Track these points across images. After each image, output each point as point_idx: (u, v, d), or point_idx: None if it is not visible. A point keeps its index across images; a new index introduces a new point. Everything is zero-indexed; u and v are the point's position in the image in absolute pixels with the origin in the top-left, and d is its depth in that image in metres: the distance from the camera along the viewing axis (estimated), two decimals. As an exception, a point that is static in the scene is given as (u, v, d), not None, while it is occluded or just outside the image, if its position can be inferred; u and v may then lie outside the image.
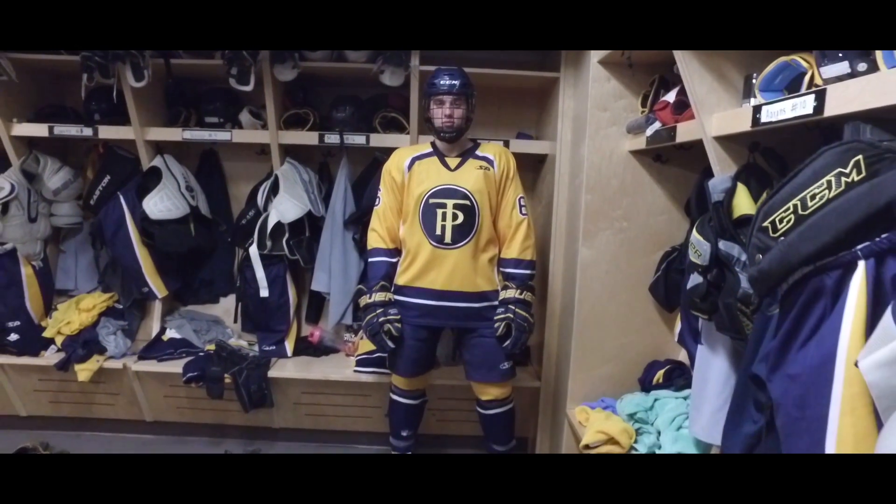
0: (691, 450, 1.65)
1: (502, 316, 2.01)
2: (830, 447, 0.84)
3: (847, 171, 0.87)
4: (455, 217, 2.00)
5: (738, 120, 1.29)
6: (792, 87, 1.21)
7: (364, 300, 2.11)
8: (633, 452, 1.82)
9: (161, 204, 2.52)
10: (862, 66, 0.97)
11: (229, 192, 2.89)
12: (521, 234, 2.06)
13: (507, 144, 2.41)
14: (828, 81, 1.04)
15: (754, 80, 1.28)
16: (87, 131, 2.54)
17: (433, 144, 2.13)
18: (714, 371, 1.49)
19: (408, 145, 2.39)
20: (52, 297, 2.82)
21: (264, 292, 2.59)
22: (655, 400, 1.90)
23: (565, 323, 2.28)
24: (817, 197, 0.90)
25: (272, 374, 2.51)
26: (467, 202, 2.01)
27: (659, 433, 1.80)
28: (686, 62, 1.40)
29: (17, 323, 2.64)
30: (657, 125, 1.77)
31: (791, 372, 0.93)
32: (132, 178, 2.63)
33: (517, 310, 2.00)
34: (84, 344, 2.53)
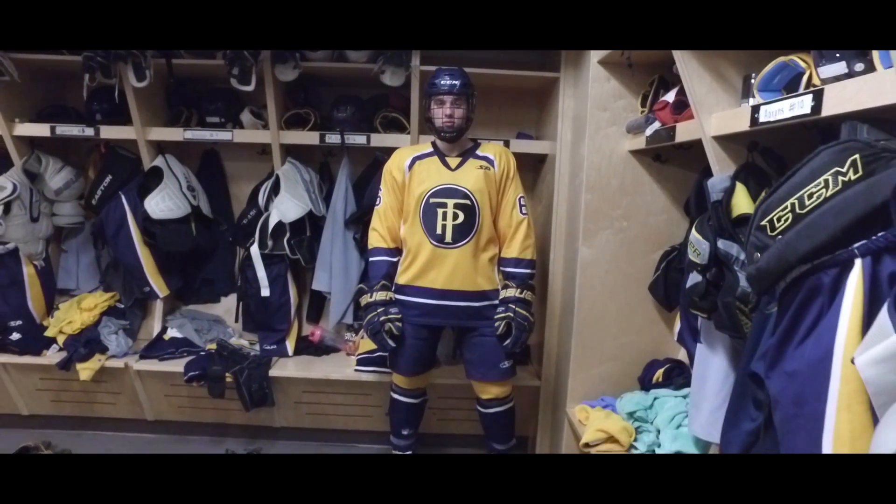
0: (690, 448, 1.66)
1: (503, 315, 2.02)
2: (827, 443, 0.85)
3: (844, 170, 0.87)
4: (455, 216, 2.00)
5: (736, 120, 1.30)
6: (790, 87, 1.22)
7: (365, 299, 2.12)
8: (633, 451, 1.82)
9: (162, 203, 2.53)
10: (859, 67, 0.98)
11: (230, 191, 2.90)
12: (521, 233, 2.07)
13: (507, 144, 2.42)
14: (825, 81, 1.05)
15: (753, 80, 1.29)
16: (89, 131, 2.56)
17: (434, 144, 2.14)
18: (713, 369, 1.49)
19: (408, 145, 2.40)
20: (53, 296, 2.83)
21: (265, 291, 2.60)
22: (655, 399, 1.90)
23: (565, 322, 2.29)
24: (815, 196, 0.90)
25: (273, 373, 2.52)
26: (468, 202, 2.02)
27: (658, 431, 1.80)
28: (685, 62, 1.41)
29: (18, 322, 2.65)
30: (657, 125, 1.77)
31: (789, 369, 0.94)
32: (134, 177, 2.64)
33: (517, 309, 2.01)
34: (86, 343, 2.54)
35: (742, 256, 1.27)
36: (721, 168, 1.40)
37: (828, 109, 1.00)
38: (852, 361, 0.78)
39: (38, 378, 2.64)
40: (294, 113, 2.60)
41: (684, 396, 1.82)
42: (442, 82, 2.00)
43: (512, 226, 2.08)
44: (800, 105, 1.07)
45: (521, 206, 2.09)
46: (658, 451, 1.75)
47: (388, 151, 2.26)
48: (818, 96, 1.02)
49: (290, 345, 2.69)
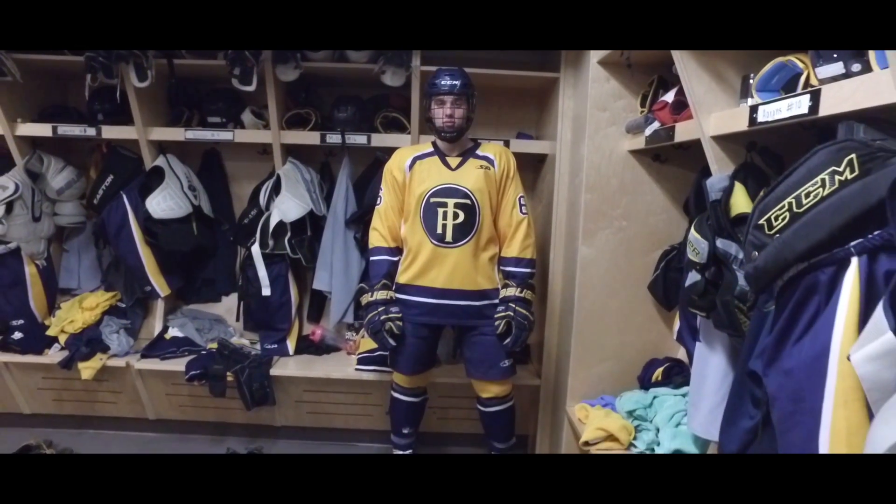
0: (689, 446, 1.67)
1: (503, 314, 2.03)
2: (824, 440, 0.86)
3: (840, 169, 0.88)
4: (456, 216, 2.01)
5: (735, 120, 1.31)
6: (788, 87, 1.22)
7: (365, 298, 2.13)
8: (633, 449, 1.83)
9: (164, 203, 2.54)
10: (856, 67, 0.99)
11: (231, 191, 2.91)
12: (521, 232, 2.08)
13: (507, 144, 2.43)
14: (823, 82, 1.05)
15: (751, 81, 1.30)
16: (91, 131, 2.57)
17: (434, 144, 2.15)
18: (712, 368, 1.50)
19: (409, 145, 2.41)
20: (55, 295, 2.84)
21: (266, 291, 2.61)
22: (654, 397, 1.91)
23: (565, 321, 2.30)
24: (812, 195, 0.91)
25: (274, 372, 2.53)
26: (468, 201, 2.02)
27: (657, 430, 1.81)
28: (684, 62, 1.42)
29: (20, 321, 2.67)
30: (656, 125, 1.78)
31: (786, 367, 0.95)
32: (135, 177, 2.65)
33: (517, 308, 2.02)
34: (87, 342, 2.55)
35: (741, 255, 1.28)
36: (720, 168, 1.41)
37: (825, 109, 1.01)
38: (848, 358, 0.79)
39: (39, 377, 2.65)
40: (295, 113, 2.61)
41: (683, 395, 1.82)
42: (442, 82, 2.01)
43: (512, 225, 2.09)
44: (797, 105, 1.08)
45: (521, 205, 2.10)
46: (657, 449, 1.76)
47: (389, 151, 2.27)
48: (815, 96, 1.03)
49: (290, 344, 2.70)
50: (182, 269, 2.81)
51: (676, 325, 1.98)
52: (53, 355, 2.58)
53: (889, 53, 0.83)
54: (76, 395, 2.68)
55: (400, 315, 2.07)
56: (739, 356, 1.25)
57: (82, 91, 2.41)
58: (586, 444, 1.89)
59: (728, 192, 1.33)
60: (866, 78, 0.93)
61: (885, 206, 0.79)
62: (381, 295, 2.08)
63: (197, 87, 2.70)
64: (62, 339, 2.63)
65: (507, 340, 2.04)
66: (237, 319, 2.79)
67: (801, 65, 1.14)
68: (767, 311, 1.08)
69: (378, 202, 2.17)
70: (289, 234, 2.58)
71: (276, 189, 2.58)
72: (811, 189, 0.91)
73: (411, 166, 2.10)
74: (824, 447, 0.87)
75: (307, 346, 2.75)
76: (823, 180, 0.90)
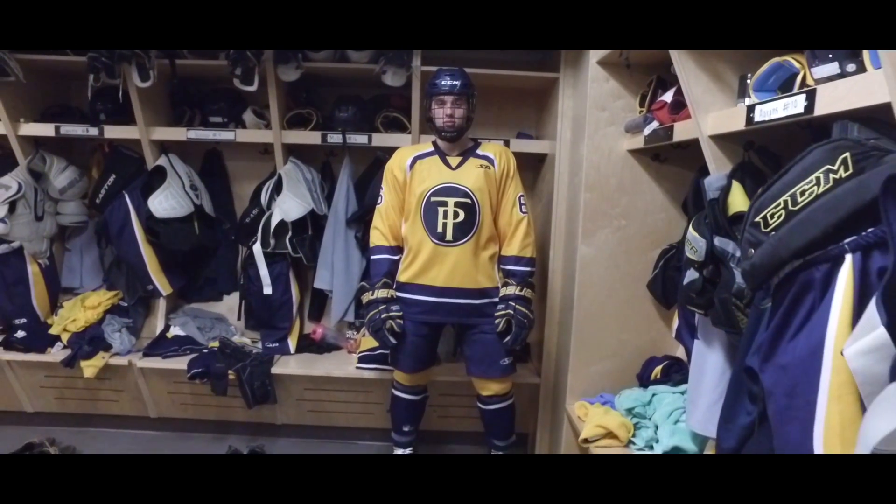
0: (688, 443, 1.68)
1: (503, 312, 2.04)
2: (819, 434, 0.87)
3: (835, 167, 0.90)
4: (456, 215, 2.03)
5: (732, 119, 1.32)
6: (785, 87, 1.24)
7: (366, 297, 2.14)
8: (632, 446, 1.85)
9: (166, 202, 2.55)
10: (851, 67, 1.00)
11: (233, 190, 2.93)
12: (521, 231, 2.09)
13: (507, 144, 2.44)
14: (819, 82, 1.07)
15: (749, 81, 1.31)
16: (93, 131, 2.58)
17: (434, 144, 2.16)
18: (710, 365, 1.52)
19: (409, 145, 2.42)
20: (57, 294, 2.86)
21: (268, 290, 2.62)
22: (653, 395, 1.92)
23: (565, 320, 2.31)
24: (807, 193, 0.93)
25: (275, 370, 2.54)
26: (468, 200, 2.04)
27: (656, 427, 1.83)
28: (682, 63, 1.43)
29: (23, 320, 2.68)
30: (655, 125, 1.80)
31: (782, 362, 0.96)
32: (137, 177, 2.67)
33: (517, 306, 2.04)
34: (90, 341, 2.56)
35: (738, 253, 1.29)
36: (718, 167, 1.42)
37: (820, 109, 1.02)
38: (842, 353, 0.81)
39: (42, 375, 2.67)
40: (296, 113, 2.63)
41: (682, 393, 1.84)
42: (443, 83, 2.03)
43: (512, 224, 2.10)
44: (793, 105, 1.09)
45: (520, 204, 2.12)
46: (656, 446, 1.77)
47: (390, 151, 2.28)
48: (811, 96, 1.04)
49: (291, 343, 2.72)
50: (184, 268, 2.83)
51: (675, 323, 1.99)
52: (56, 354, 2.59)
53: (882, 54, 0.85)
54: (78, 394, 2.69)
55: (401, 313, 2.08)
56: (737, 353, 1.27)
57: (85, 91, 2.43)
58: (586, 441, 1.90)
59: (726, 190, 1.34)
60: (860, 78, 0.95)
61: (879, 204, 0.80)
62: (381, 293, 2.10)
63: (199, 87, 2.72)
64: (65, 337, 2.64)
65: (507, 338, 2.05)
66: (238, 318, 2.80)
67: (797, 65, 1.16)
68: (764, 308, 1.09)
69: (379, 201, 2.18)
70: (290, 234, 2.59)
71: (277, 188, 2.60)
72: (806, 187, 0.93)
73: (412, 166, 2.11)
74: (819, 441, 0.88)
75: (308, 345, 2.77)
76: (818, 178, 0.91)
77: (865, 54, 0.96)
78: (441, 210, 2.03)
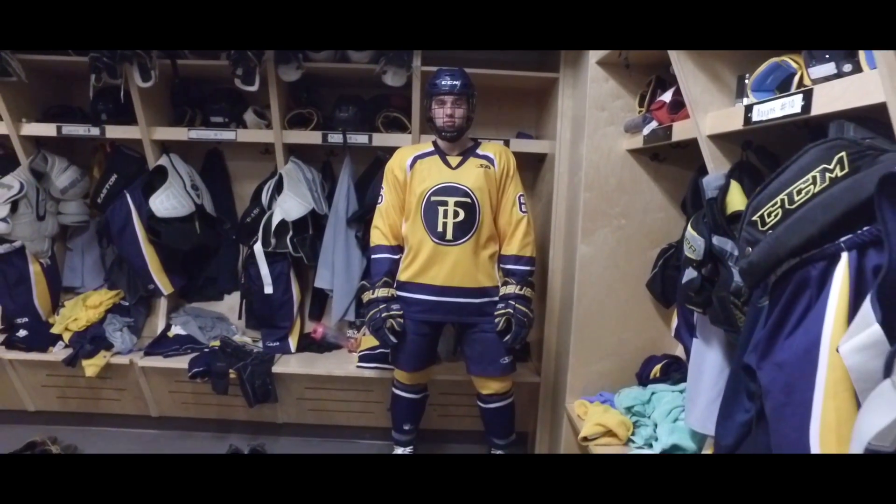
0: (687, 441, 1.69)
1: (502, 311, 2.05)
2: (815, 430, 0.88)
3: (831, 167, 0.91)
4: (456, 214, 2.04)
5: (730, 119, 1.33)
6: (783, 87, 1.25)
7: (367, 296, 2.15)
8: (631, 444, 1.86)
9: (167, 202, 2.56)
10: (847, 67, 1.01)
11: (234, 190, 2.94)
12: (520, 231, 2.10)
13: (507, 143, 2.45)
14: (816, 82, 1.08)
15: (747, 81, 1.32)
16: (95, 131, 2.59)
17: (435, 143, 2.17)
18: (708, 363, 1.53)
19: (410, 144, 2.43)
20: (59, 294, 2.87)
21: (268, 289, 2.64)
22: (652, 394, 1.94)
23: (564, 319, 2.32)
24: (803, 192, 0.94)
25: (276, 369, 2.55)
26: (468, 200, 2.05)
27: (655, 425, 1.84)
28: (681, 63, 1.44)
29: (25, 319, 2.70)
30: (654, 124, 1.81)
31: (779, 360, 0.97)
32: (138, 176, 2.68)
33: (517, 305, 2.04)
34: (91, 340, 2.57)
35: (736, 252, 1.30)
36: (716, 166, 1.43)
37: (817, 109, 1.03)
38: (837, 350, 0.81)
39: (44, 374, 2.68)
40: (297, 113, 2.64)
41: (681, 391, 1.85)
42: (443, 83, 2.04)
43: (512, 223, 2.11)
44: (791, 104, 1.10)
45: (520, 203, 2.13)
46: (655, 444, 1.78)
47: (390, 151, 2.29)
48: (808, 96, 1.05)
49: (292, 342, 2.73)
50: (185, 267, 2.84)
51: (674, 322, 2.00)
52: (58, 353, 2.60)
53: (877, 54, 0.86)
54: (80, 393, 2.70)
55: (401, 312, 2.09)
56: (735, 351, 1.28)
57: (86, 91, 2.44)
58: (585, 439, 1.91)
59: (724, 190, 1.35)
60: (856, 78, 0.96)
61: (874, 203, 0.81)
62: (382, 292, 2.11)
63: (200, 87, 2.73)
64: (66, 336, 2.65)
65: (507, 337, 2.06)
66: (239, 317, 2.81)
67: (794, 65, 1.17)
68: (762, 306, 1.10)
69: (379, 201, 2.19)
70: (291, 233, 2.60)
71: (278, 188, 2.61)
72: (803, 186, 0.94)
73: (412, 165, 2.12)
74: (815, 437, 0.89)
75: (309, 344, 2.78)
76: (815, 177, 0.92)
77: (861, 54, 0.97)
78: (441, 209, 2.04)
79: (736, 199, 1.34)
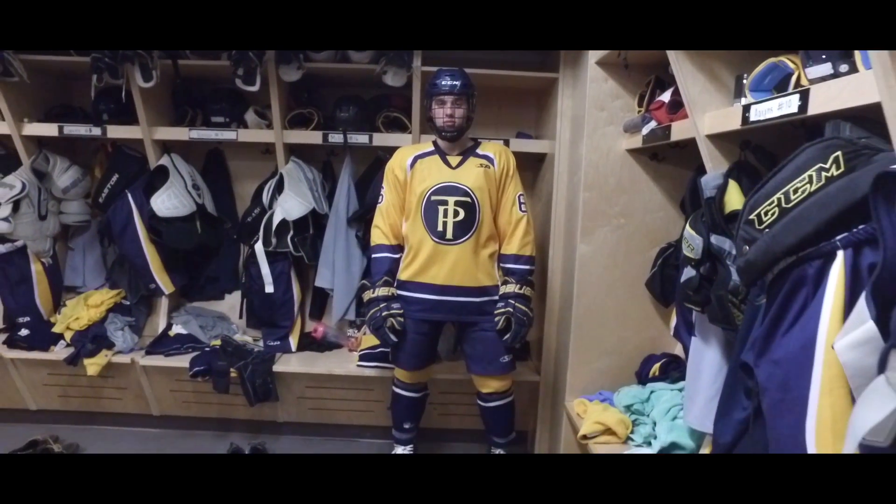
0: (685, 439, 1.70)
1: (502, 310, 2.06)
2: (811, 426, 0.89)
3: (827, 166, 0.92)
4: (456, 213, 2.05)
5: (728, 119, 1.34)
6: (780, 87, 1.26)
7: (367, 295, 2.16)
8: (630, 442, 1.87)
9: (168, 202, 2.57)
10: (843, 68, 1.02)
11: (234, 190, 2.95)
12: (520, 230, 2.11)
13: (507, 143, 2.46)
14: (813, 82, 1.09)
15: (745, 81, 1.33)
16: (96, 131, 2.60)
17: (435, 143, 2.18)
18: (707, 362, 1.53)
19: (410, 144, 2.44)
20: (60, 293, 2.88)
21: (269, 288, 2.65)
22: (651, 392, 1.94)
23: (564, 318, 2.33)
24: (799, 191, 0.95)
25: (277, 368, 2.56)
26: (468, 199, 2.06)
27: (654, 424, 1.84)
28: (679, 63, 1.45)
29: (27, 318, 2.71)
30: (653, 124, 1.81)
31: (775, 357, 0.98)
32: (140, 176, 2.69)
33: (517, 304, 2.05)
34: (93, 339, 2.58)
35: (734, 251, 1.31)
36: (714, 166, 1.44)
37: (813, 108, 1.04)
38: (833, 347, 0.82)
39: (45, 373, 2.69)
40: (297, 113, 2.65)
41: (680, 390, 1.85)
42: (443, 83, 2.05)
43: (511, 223, 2.12)
44: (787, 104, 1.11)
45: (520, 203, 2.14)
46: (654, 442, 1.79)
47: (390, 150, 2.30)
48: (804, 96, 1.06)
49: (293, 341, 2.74)
50: (186, 266, 2.85)
51: (673, 321, 2.01)
52: (59, 352, 2.61)
53: (872, 55, 0.87)
54: (82, 392, 2.72)
55: (401, 311, 2.10)
56: (733, 349, 1.29)
57: (88, 91, 2.45)
58: (584, 437, 1.92)
59: (722, 189, 1.36)
60: (852, 78, 0.97)
61: (869, 202, 0.82)
62: (382, 291, 2.12)
63: (201, 87, 2.74)
64: (68, 335, 2.66)
65: (507, 336, 2.07)
66: (240, 317, 2.83)
67: (791, 65, 1.18)
68: (759, 304, 1.11)
69: (380, 200, 2.20)
70: (291, 233, 2.61)
71: (278, 188, 2.62)
72: (799, 185, 0.95)
73: (412, 165, 2.13)
74: (811, 434, 0.90)
75: (309, 343, 2.79)
76: (811, 177, 0.94)
77: (857, 55, 0.97)
78: (441, 209, 2.05)
79: (734, 199, 1.35)
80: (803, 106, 1.07)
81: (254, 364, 2.52)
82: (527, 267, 2.13)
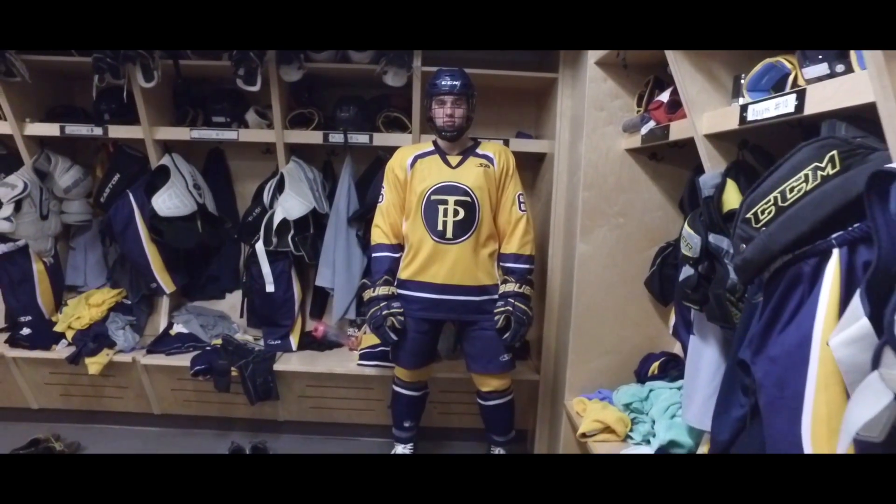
0: (684, 436, 1.70)
1: (502, 309, 2.07)
2: (806, 423, 0.90)
3: (823, 165, 0.93)
4: (456, 213, 2.06)
5: (726, 118, 1.35)
6: (777, 87, 1.26)
7: (368, 294, 2.17)
8: (629, 440, 1.88)
9: (169, 201, 2.58)
10: (840, 68, 1.03)
11: (235, 190, 2.96)
12: (520, 229, 2.12)
13: (507, 143, 2.47)
14: (809, 82, 1.10)
15: (742, 81, 1.34)
16: (98, 131, 2.61)
17: (435, 143, 2.19)
18: (705, 360, 1.54)
19: (410, 144, 2.45)
20: (62, 292, 2.89)
21: (270, 287, 2.65)
22: (650, 391, 1.95)
23: (563, 317, 2.34)
24: (795, 189, 0.96)
25: (277, 367, 2.57)
26: (468, 198, 2.07)
27: (653, 422, 1.85)
28: (678, 63, 1.46)
29: (28, 318, 2.72)
30: (652, 124, 1.82)
31: (772, 354, 0.99)
32: (141, 176, 2.70)
33: (516, 303, 2.06)
34: (94, 338, 2.59)
35: (732, 250, 1.32)
36: (712, 165, 1.45)
37: (810, 108, 1.05)
38: (828, 344, 0.83)
39: (47, 372, 2.70)
40: (298, 113, 2.66)
41: (679, 388, 1.86)
42: (443, 83, 2.05)
43: (511, 222, 2.13)
44: (784, 104, 1.12)
45: (520, 202, 2.14)
46: (653, 440, 1.80)
47: (390, 150, 2.31)
48: (801, 96, 1.07)
49: (293, 340, 2.75)
50: (187, 266, 2.86)
51: (672, 320, 2.02)
52: (61, 351, 2.62)
53: (866, 55, 0.88)
54: (83, 390, 2.73)
55: (401, 310, 2.11)
56: (731, 347, 1.30)
57: (89, 91, 2.46)
58: (584, 435, 1.93)
59: (720, 188, 1.37)
60: (847, 78, 0.97)
61: (864, 200, 0.83)
62: (382, 290, 2.13)
63: (202, 87, 2.75)
64: (69, 335, 2.67)
65: (507, 335, 2.08)
66: (241, 316, 2.84)
67: (789, 65, 1.19)
68: (756, 302, 1.12)
69: (380, 200, 2.21)
70: (292, 232, 2.62)
71: (279, 187, 2.63)
72: (795, 184, 0.96)
73: (412, 165, 2.14)
74: (807, 430, 0.91)
75: (310, 342, 2.80)
76: (807, 175, 0.94)
77: (853, 55, 0.98)
78: (441, 208, 2.06)
79: (732, 198, 1.36)
80: (800, 106, 1.08)
81: (254, 363, 2.53)
82: (526, 266, 2.14)
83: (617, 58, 1.99)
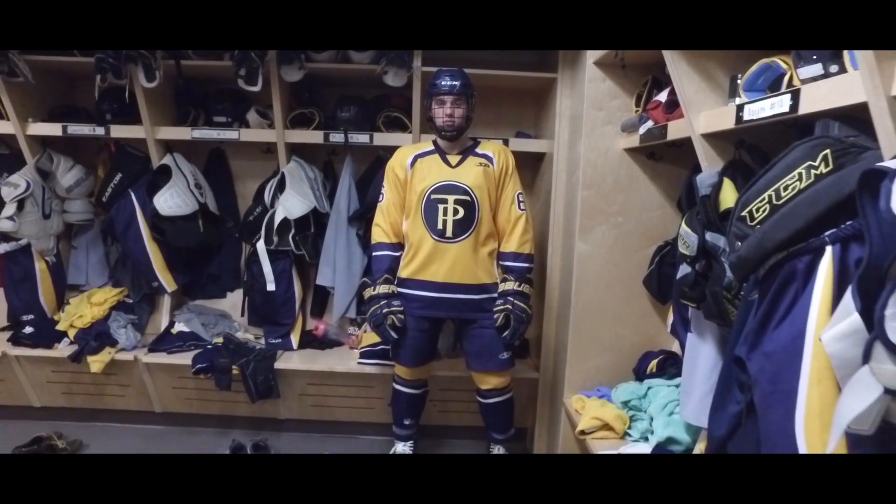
0: (682, 433, 1.72)
1: (501, 307, 2.09)
2: (800, 417, 0.92)
3: (816, 163, 0.94)
4: (456, 212, 2.07)
5: (723, 118, 1.36)
6: (773, 87, 1.28)
7: (368, 292, 2.19)
8: (627, 437, 1.89)
9: (171, 201, 2.60)
10: (834, 68, 1.05)
11: (236, 189, 2.97)
12: (519, 228, 2.14)
13: (506, 143, 2.49)
14: (804, 82, 1.11)
15: (739, 81, 1.35)
16: (100, 130, 2.62)
17: (435, 143, 2.21)
18: (702, 357, 1.55)
19: (410, 144, 2.46)
20: (64, 291, 2.91)
21: (271, 286, 2.67)
22: (649, 388, 1.97)
23: (563, 315, 2.35)
24: (790, 188, 0.97)
25: (278, 366, 2.59)
26: (467, 198, 2.08)
27: (651, 419, 1.87)
28: (675, 63, 1.48)
29: (31, 316, 2.74)
30: (650, 124, 1.84)
31: (767, 350, 1.01)
32: (143, 175, 2.72)
33: (516, 301, 2.08)
34: (96, 336, 2.61)
35: (728, 248, 1.33)
36: (709, 164, 1.47)
37: (804, 108, 1.07)
38: (820, 339, 0.85)
39: (49, 370, 2.71)
40: (299, 112, 2.67)
41: (677, 386, 1.87)
42: (443, 83, 2.07)
43: (511, 221, 2.14)
44: (779, 104, 1.14)
45: (519, 202, 2.16)
46: (651, 437, 1.81)
47: (391, 150, 2.33)
48: (795, 96, 1.09)
49: (294, 338, 2.76)
50: (188, 265, 2.87)
51: (670, 318, 2.04)
52: (63, 349, 2.63)
53: (858, 56, 0.89)
54: (85, 389, 2.74)
55: (401, 308, 2.13)
56: (727, 345, 1.31)
57: (91, 91, 2.47)
58: (582, 433, 1.94)
59: (717, 187, 1.38)
60: (840, 78, 0.99)
61: (856, 198, 0.84)
62: (383, 289, 2.14)
63: (203, 87, 2.76)
64: (71, 333, 2.68)
65: (506, 333, 2.09)
66: (242, 314, 2.85)
67: (784, 66, 1.20)
68: (752, 299, 1.13)
69: (380, 199, 2.23)
70: (293, 231, 2.64)
71: (280, 187, 2.64)
72: (789, 182, 0.97)
73: (412, 164, 2.16)
74: (800, 424, 0.92)
75: (310, 341, 2.81)
76: (800, 174, 0.96)
77: (846, 56, 1.00)
78: (441, 207, 2.08)
79: (729, 197, 1.37)
80: (794, 105, 1.09)
81: (255, 361, 2.54)
82: (526, 265, 2.15)
83: (615, 58, 2.01)
